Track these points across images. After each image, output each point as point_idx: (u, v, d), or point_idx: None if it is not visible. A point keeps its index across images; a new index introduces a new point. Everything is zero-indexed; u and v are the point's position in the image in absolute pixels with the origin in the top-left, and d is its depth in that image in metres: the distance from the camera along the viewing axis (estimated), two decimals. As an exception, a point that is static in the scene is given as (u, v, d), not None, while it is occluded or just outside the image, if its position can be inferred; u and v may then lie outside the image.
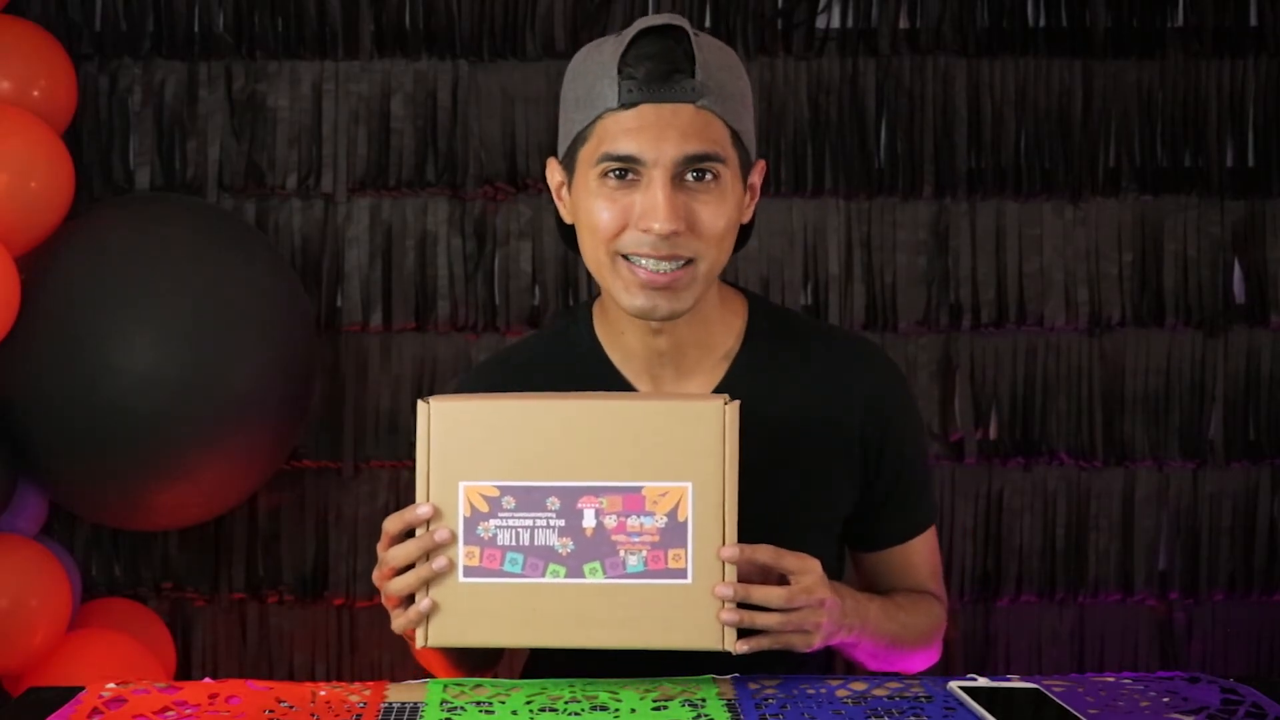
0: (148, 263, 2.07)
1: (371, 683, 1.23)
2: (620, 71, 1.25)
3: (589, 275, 2.42)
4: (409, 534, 1.19)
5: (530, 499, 1.17)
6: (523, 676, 1.49)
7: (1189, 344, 2.46)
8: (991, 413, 2.47)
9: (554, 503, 1.17)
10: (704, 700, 1.18)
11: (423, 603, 1.18)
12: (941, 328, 2.45)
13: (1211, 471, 2.47)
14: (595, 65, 1.28)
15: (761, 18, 2.42)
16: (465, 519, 1.17)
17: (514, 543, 1.17)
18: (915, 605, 1.42)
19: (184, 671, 2.44)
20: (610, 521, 1.17)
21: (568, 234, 1.40)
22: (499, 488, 1.17)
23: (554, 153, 1.37)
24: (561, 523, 1.17)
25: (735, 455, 1.17)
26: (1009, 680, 1.22)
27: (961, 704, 1.17)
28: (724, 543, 1.17)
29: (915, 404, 1.48)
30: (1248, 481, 2.48)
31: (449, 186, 2.43)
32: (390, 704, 1.18)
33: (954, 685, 1.20)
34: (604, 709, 1.15)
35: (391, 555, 1.19)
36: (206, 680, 1.22)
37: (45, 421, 2.05)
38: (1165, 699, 1.18)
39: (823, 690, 1.21)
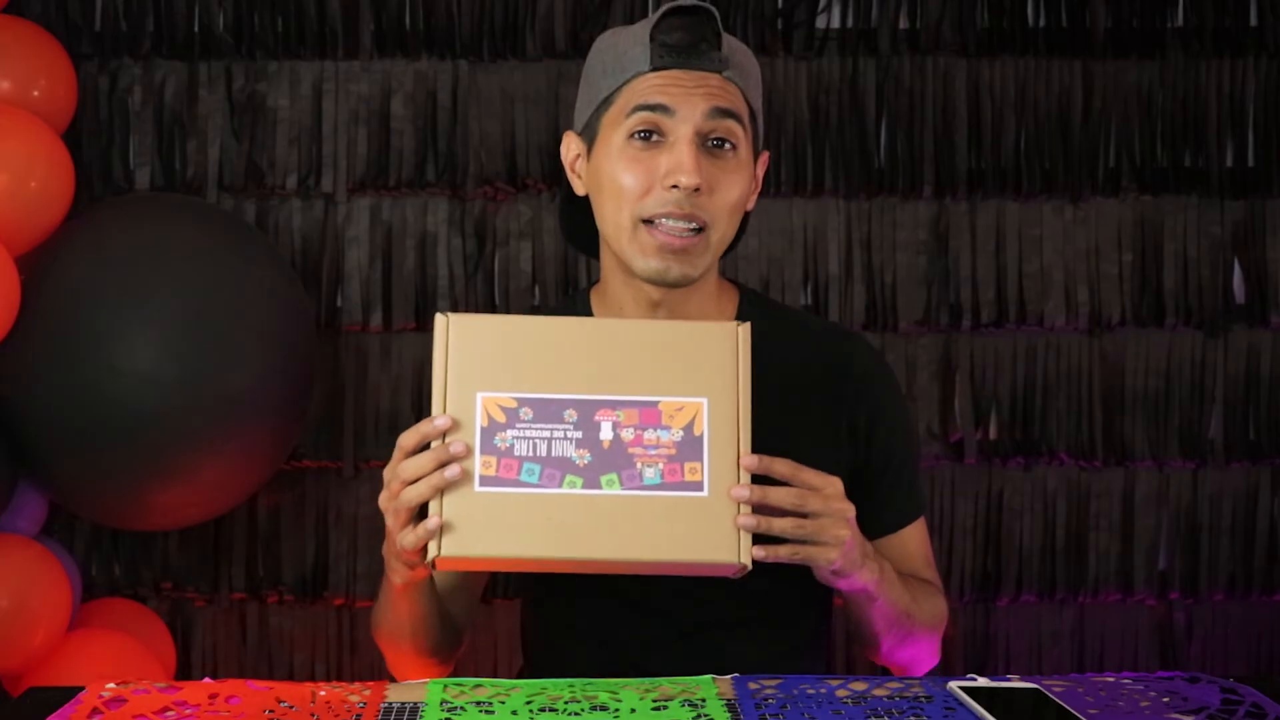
0: (148, 263, 2.07)
1: (371, 683, 1.23)
2: (652, 39, 1.30)
3: (589, 274, 2.44)
4: (424, 450, 1.18)
5: (548, 411, 1.18)
6: (522, 677, 1.49)
7: (1189, 344, 2.46)
8: (991, 413, 2.47)
9: (571, 415, 1.18)
10: (704, 700, 1.18)
11: (431, 521, 1.16)
12: (941, 328, 2.45)
13: (1211, 471, 2.47)
14: (625, 37, 1.34)
15: (761, 18, 2.42)
16: (483, 429, 1.17)
17: (531, 453, 1.17)
18: (921, 588, 1.44)
19: (184, 671, 2.44)
20: (627, 434, 1.18)
21: (569, 220, 1.45)
22: (517, 399, 1.18)
23: (556, 148, 1.41)
24: (579, 434, 1.18)
25: (748, 374, 1.20)
26: (1009, 680, 1.22)
27: (961, 704, 1.17)
28: (739, 457, 1.18)
29: (903, 395, 1.50)
30: (1248, 481, 2.48)
31: (449, 186, 2.43)
32: (390, 704, 1.18)
33: (954, 685, 1.20)
34: (604, 709, 1.15)
35: (404, 467, 1.17)
36: (206, 680, 1.22)
37: (45, 421, 2.05)
38: (1165, 699, 1.18)
39: (823, 690, 1.20)
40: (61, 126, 2.23)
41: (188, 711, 1.16)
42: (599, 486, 1.17)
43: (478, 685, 1.21)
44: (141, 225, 2.14)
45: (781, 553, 1.21)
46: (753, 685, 1.22)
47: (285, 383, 2.16)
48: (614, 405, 1.18)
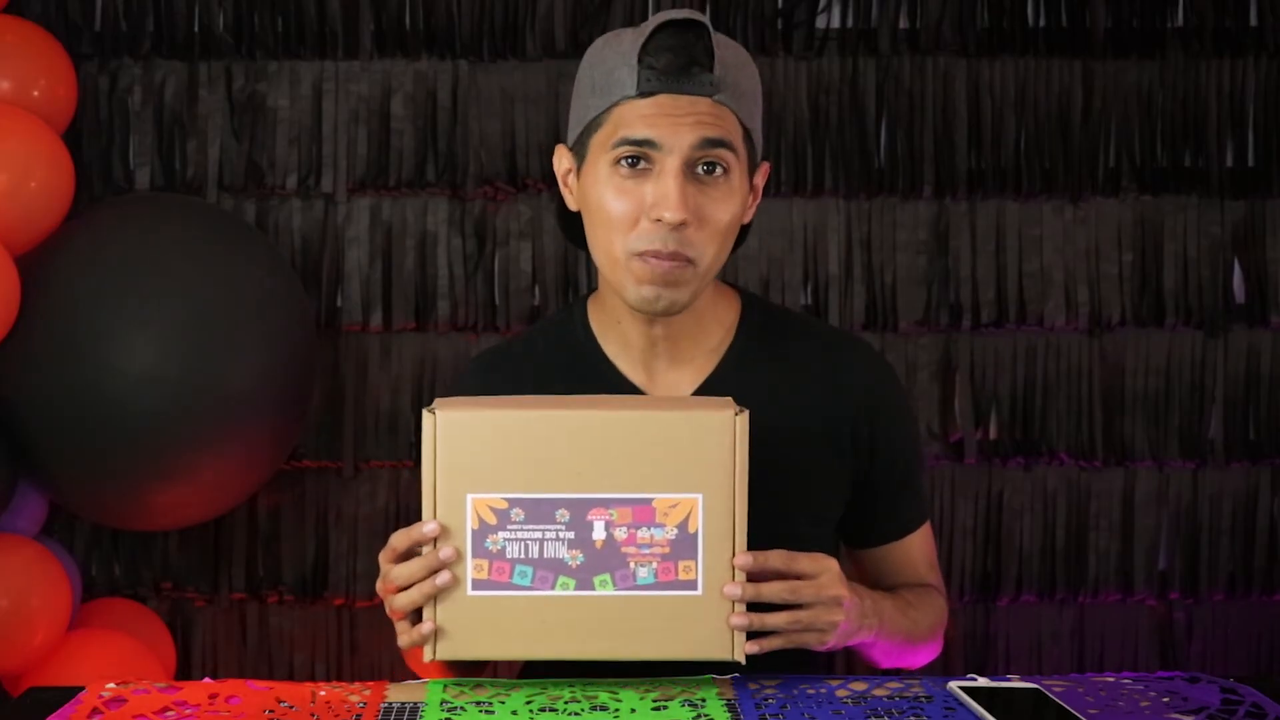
0: (148, 263, 2.07)
1: (371, 683, 1.23)
2: (640, 60, 1.26)
3: (589, 274, 2.44)
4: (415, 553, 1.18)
5: (539, 511, 1.15)
6: (522, 676, 1.49)
7: (1189, 344, 2.46)
8: (991, 413, 2.47)
9: (563, 515, 1.16)
10: (704, 700, 1.18)
11: (425, 625, 1.17)
12: (941, 328, 2.45)
13: (1211, 471, 2.47)
14: (614, 54, 1.29)
15: (761, 18, 2.42)
16: (473, 531, 1.16)
17: (523, 555, 1.15)
18: (922, 600, 1.44)
19: (184, 671, 2.44)
20: (620, 533, 1.15)
21: (568, 223, 1.42)
22: (507, 500, 1.16)
23: (556, 146, 1.39)
24: (571, 535, 1.15)
25: (745, 466, 1.16)
26: (1009, 680, 1.22)
27: (961, 704, 1.17)
28: (734, 553, 1.16)
29: (908, 402, 1.49)
30: (1248, 481, 2.48)
31: (449, 186, 2.43)
32: (390, 704, 1.18)
33: (954, 685, 1.20)
34: (604, 709, 1.15)
35: (396, 573, 1.18)
36: (206, 680, 1.22)
37: (45, 421, 2.05)
38: (1165, 699, 1.19)
39: (823, 690, 1.21)
40: (61, 126, 2.23)
41: (188, 711, 1.16)
42: (592, 588, 1.16)
43: (478, 685, 1.22)
44: (142, 225, 2.14)
45: (776, 643, 1.20)
46: (753, 685, 1.22)
47: (285, 383, 2.16)
48: (607, 504, 1.15)
